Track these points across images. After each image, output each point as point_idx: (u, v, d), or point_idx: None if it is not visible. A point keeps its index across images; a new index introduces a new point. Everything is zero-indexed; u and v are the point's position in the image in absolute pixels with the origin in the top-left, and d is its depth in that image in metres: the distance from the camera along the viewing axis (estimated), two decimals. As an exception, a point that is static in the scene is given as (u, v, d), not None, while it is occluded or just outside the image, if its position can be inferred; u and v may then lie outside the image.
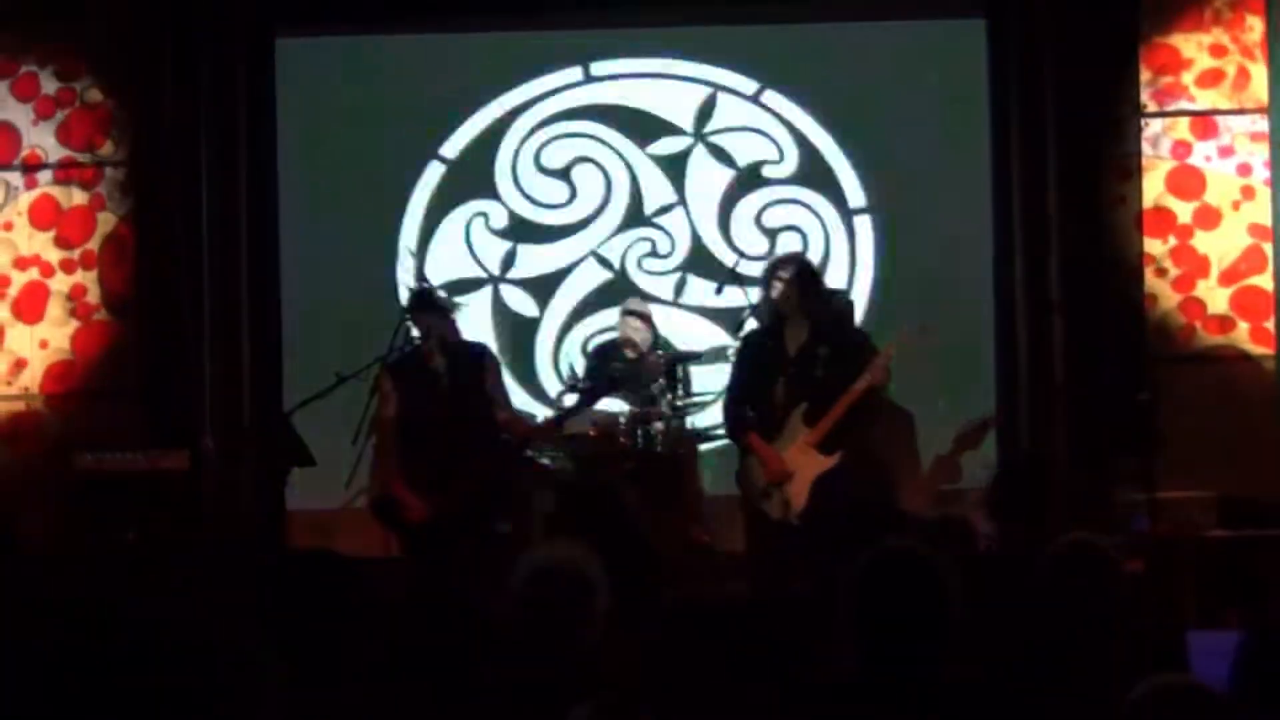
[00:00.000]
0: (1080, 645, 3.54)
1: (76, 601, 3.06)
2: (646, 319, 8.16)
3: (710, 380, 8.08)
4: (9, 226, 8.35)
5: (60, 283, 8.38)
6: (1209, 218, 8.04)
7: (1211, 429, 7.91)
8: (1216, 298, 8.06)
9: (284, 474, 7.83)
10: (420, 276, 7.25)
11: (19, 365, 8.38)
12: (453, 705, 3.38)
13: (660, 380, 7.81)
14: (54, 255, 8.39)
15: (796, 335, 6.83)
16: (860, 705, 3.10)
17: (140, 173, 8.40)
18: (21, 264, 8.35)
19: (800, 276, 6.85)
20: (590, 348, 8.60)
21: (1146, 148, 8.10)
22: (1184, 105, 8.11)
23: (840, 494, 6.64)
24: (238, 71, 8.58)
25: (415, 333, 7.03)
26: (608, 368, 7.98)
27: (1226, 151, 8.05)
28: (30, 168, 8.40)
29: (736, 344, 7.65)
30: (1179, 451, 7.70)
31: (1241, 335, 8.06)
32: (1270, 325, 8.03)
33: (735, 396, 7.01)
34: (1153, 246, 8.09)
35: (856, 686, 3.14)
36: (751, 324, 7.31)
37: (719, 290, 7.78)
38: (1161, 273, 8.06)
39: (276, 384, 8.63)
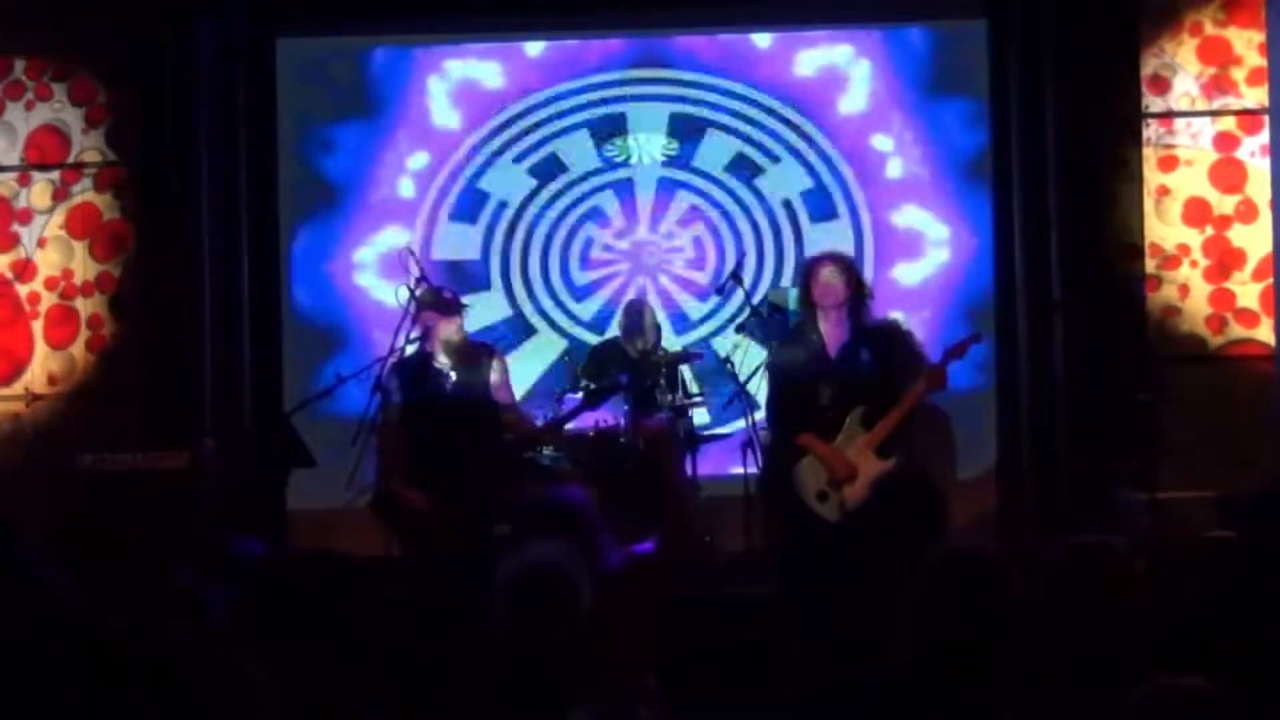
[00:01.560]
0: (1089, 644, 3.54)
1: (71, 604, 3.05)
2: (648, 318, 8.16)
3: (711, 380, 8.09)
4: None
5: (62, 283, 8.41)
6: (1249, 211, 8.04)
7: (1212, 429, 7.91)
8: (1248, 291, 8.07)
9: (284, 474, 7.82)
10: (423, 276, 7.22)
11: (20, 365, 8.38)
12: (450, 705, 3.38)
13: (660, 380, 7.80)
14: (57, 257, 8.41)
15: (835, 333, 6.76)
16: (911, 705, 3.11)
17: (140, 173, 8.40)
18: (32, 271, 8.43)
19: (844, 273, 6.78)
20: (591, 346, 8.58)
21: (1188, 140, 8.13)
22: (1231, 101, 8.11)
23: (899, 496, 6.54)
24: (238, 71, 8.58)
25: (418, 332, 7.01)
26: (609, 367, 7.97)
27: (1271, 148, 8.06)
28: (33, 168, 8.42)
29: (737, 343, 7.65)
30: (1179, 451, 7.70)
31: (1265, 330, 8.07)
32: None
33: (782, 397, 6.89)
34: (1189, 236, 8.12)
35: (907, 686, 3.15)
36: (752, 325, 7.28)
37: (719, 290, 7.78)
38: (1194, 264, 8.11)
39: (276, 384, 8.64)
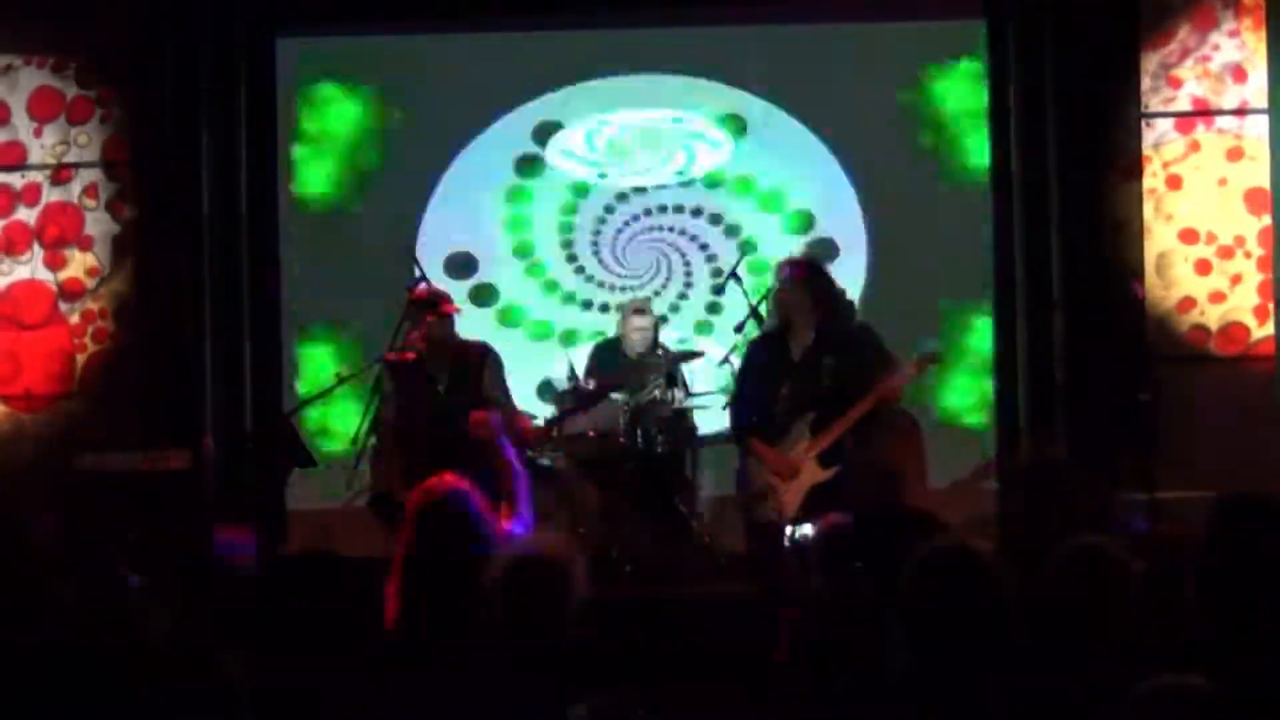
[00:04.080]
0: (1091, 648, 3.54)
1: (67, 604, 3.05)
2: (648, 318, 8.15)
3: (710, 380, 8.08)
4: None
5: (62, 283, 8.42)
6: None
7: (1211, 429, 7.91)
8: (1297, 282, 8.09)
9: (284, 474, 7.82)
10: (421, 276, 7.23)
11: (20, 366, 8.38)
12: (451, 703, 3.39)
13: (660, 380, 7.79)
14: (59, 256, 8.42)
15: (801, 338, 6.77)
16: (905, 704, 3.11)
17: (141, 173, 8.40)
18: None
19: (809, 277, 6.79)
20: (591, 346, 8.58)
21: (1252, 136, 8.12)
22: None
23: (832, 508, 6.55)
24: (238, 71, 8.59)
25: (418, 333, 7.02)
26: (608, 367, 7.97)
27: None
28: (33, 168, 8.42)
29: (736, 344, 7.65)
30: (1179, 451, 7.70)
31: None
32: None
33: (740, 399, 6.95)
34: (1246, 226, 8.13)
35: (901, 686, 3.15)
36: (751, 325, 7.29)
37: (719, 291, 7.77)
38: (1249, 254, 8.12)
39: (277, 384, 8.64)
